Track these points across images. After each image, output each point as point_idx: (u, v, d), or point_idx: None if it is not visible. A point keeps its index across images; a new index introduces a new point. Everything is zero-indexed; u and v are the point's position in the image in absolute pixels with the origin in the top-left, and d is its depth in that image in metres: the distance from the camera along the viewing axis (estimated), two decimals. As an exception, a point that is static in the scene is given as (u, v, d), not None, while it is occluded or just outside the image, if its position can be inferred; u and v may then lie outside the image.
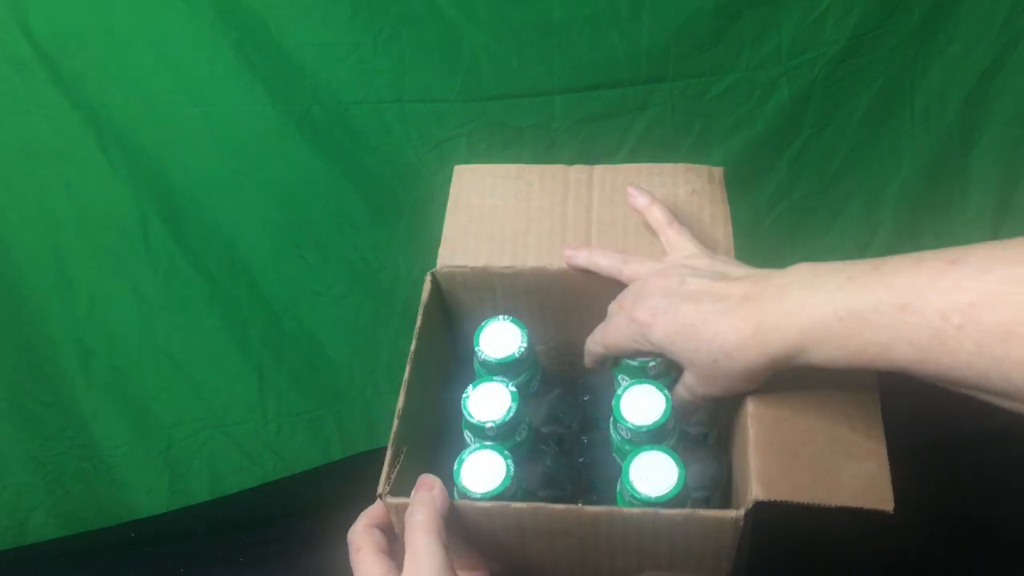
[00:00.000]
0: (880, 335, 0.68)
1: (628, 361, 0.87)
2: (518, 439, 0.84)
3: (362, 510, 0.81)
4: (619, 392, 0.84)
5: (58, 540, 1.50)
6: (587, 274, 0.94)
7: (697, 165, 1.01)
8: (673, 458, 0.78)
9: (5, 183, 1.31)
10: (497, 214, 0.98)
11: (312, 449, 1.54)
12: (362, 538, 0.78)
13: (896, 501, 0.76)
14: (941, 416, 1.40)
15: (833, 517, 0.75)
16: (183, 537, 1.51)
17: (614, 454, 0.86)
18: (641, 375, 0.86)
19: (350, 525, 0.81)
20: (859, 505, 0.76)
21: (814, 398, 0.83)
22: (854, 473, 0.77)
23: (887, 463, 0.78)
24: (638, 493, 0.76)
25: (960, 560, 1.35)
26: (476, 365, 0.90)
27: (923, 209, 1.46)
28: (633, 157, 1.39)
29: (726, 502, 0.93)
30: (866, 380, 0.84)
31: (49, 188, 1.32)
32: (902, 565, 1.31)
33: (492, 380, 0.85)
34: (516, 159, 1.02)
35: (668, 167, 1.01)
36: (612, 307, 0.88)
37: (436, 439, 0.92)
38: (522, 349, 0.88)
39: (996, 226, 1.47)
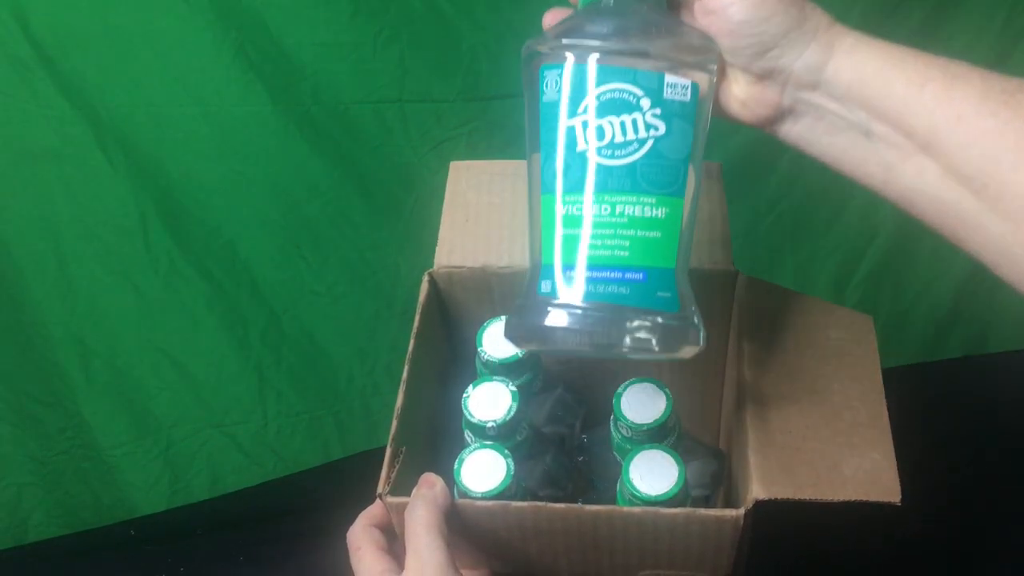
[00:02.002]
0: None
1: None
2: (519, 438, 0.84)
3: (362, 509, 0.81)
4: (620, 390, 0.85)
5: (58, 539, 1.51)
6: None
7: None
8: (673, 457, 0.78)
9: (5, 183, 1.31)
10: (494, 212, 0.98)
11: (312, 448, 1.54)
12: (361, 537, 0.78)
13: (904, 492, 0.75)
14: (943, 416, 1.42)
15: (837, 512, 0.75)
16: (183, 536, 1.51)
17: (614, 452, 0.86)
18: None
19: (350, 524, 0.81)
20: (864, 498, 0.75)
21: (815, 389, 0.83)
22: (858, 465, 0.77)
23: (892, 451, 0.78)
24: (638, 492, 0.76)
25: (963, 555, 1.36)
26: (478, 365, 0.90)
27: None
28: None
29: (727, 499, 0.93)
30: (870, 366, 0.84)
31: (49, 188, 1.32)
32: (906, 559, 1.31)
33: (492, 379, 0.85)
34: (516, 159, 1.02)
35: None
36: None
37: (435, 439, 0.92)
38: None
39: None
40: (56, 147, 1.30)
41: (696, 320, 0.73)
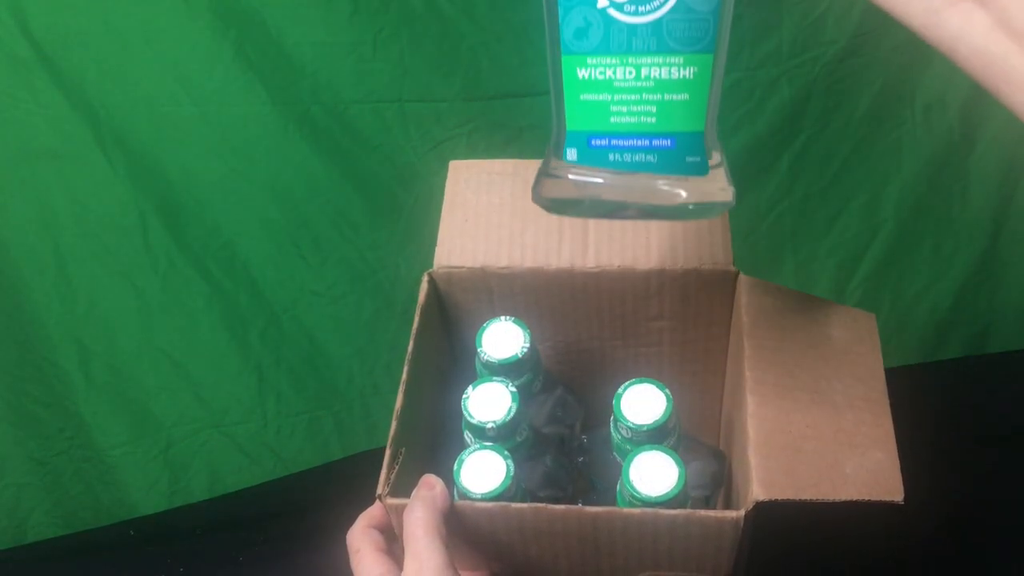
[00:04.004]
0: None
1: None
2: (518, 439, 0.84)
3: (361, 510, 0.81)
4: (620, 391, 0.84)
5: (57, 539, 1.50)
6: (585, 275, 0.94)
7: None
8: (673, 458, 0.78)
9: (5, 183, 1.31)
10: (494, 212, 0.98)
11: (312, 449, 1.54)
12: (361, 539, 0.78)
13: (906, 492, 0.75)
14: (943, 416, 1.41)
15: (839, 512, 0.75)
16: (183, 536, 1.51)
17: (614, 453, 0.86)
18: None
19: (350, 524, 0.81)
20: (866, 498, 0.75)
21: (817, 388, 0.83)
22: (860, 465, 0.77)
23: (895, 450, 0.78)
24: (638, 493, 0.76)
25: (964, 556, 1.35)
26: (478, 366, 0.90)
27: (924, 209, 1.46)
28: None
29: (727, 499, 0.93)
30: (872, 365, 0.84)
31: (49, 188, 1.32)
32: (908, 560, 1.31)
33: (492, 380, 0.85)
34: (516, 159, 1.02)
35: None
36: None
37: (435, 440, 0.92)
38: (524, 350, 0.88)
39: (997, 226, 1.47)
40: (56, 147, 1.30)
41: (726, 180, 0.72)
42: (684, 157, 0.70)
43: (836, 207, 1.48)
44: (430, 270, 0.96)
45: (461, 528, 0.77)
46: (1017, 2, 0.57)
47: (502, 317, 0.91)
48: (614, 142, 0.70)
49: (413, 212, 1.40)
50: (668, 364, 1.03)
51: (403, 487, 0.77)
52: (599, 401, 0.95)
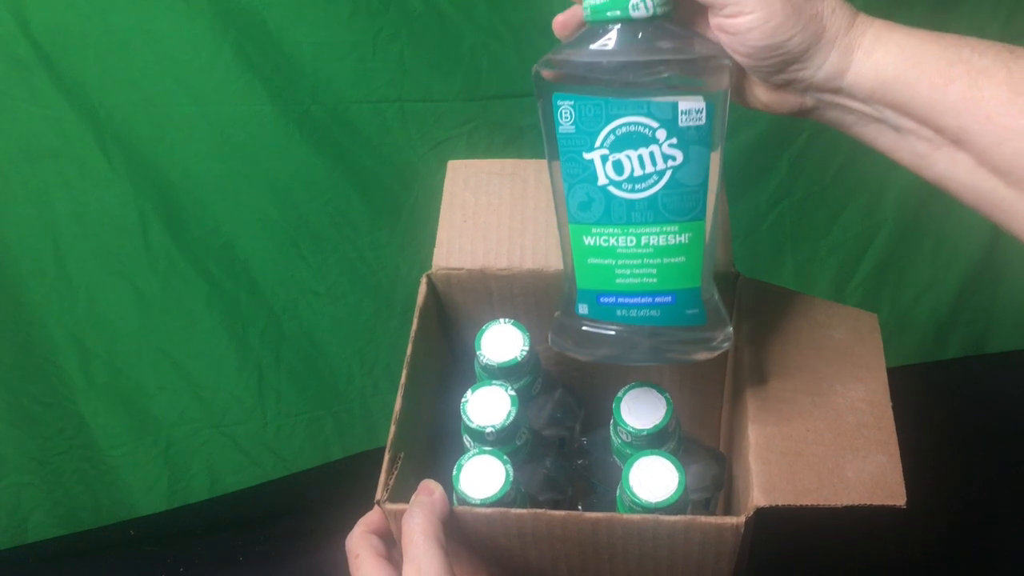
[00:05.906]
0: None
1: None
2: (518, 443, 0.84)
3: (361, 510, 0.81)
4: (620, 394, 0.84)
5: (57, 539, 1.50)
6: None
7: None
8: (673, 463, 0.78)
9: (5, 183, 1.31)
10: (492, 213, 0.98)
11: (311, 449, 1.53)
12: (360, 544, 0.78)
13: (907, 495, 0.75)
14: (943, 417, 1.41)
15: (841, 516, 0.75)
16: (183, 536, 1.51)
17: (614, 456, 0.86)
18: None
19: (349, 525, 0.81)
20: (867, 503, 0.75)
21: (818, 391, 0.82)
22: (861, 468, 0.77)
23: (897, 453, 0.78)
24: (638, 499, 0.76)
25: (964, 558, 1.35)
26: (477, 368, 0.90)
27: (924, 209, 1.46)
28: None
29: (728, 503, 0.92)
30: (874, 366, 0.84)
31: (49, 188, 1.32)
32: (910, 562, 1.31)
33: (491, 384, 0.85)
34: (516, 159, 1.02)
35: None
36: None
37: (434, 444, 0.92)
38: (524, 353, 0.88)
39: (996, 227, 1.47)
40: (56, 147, 1.30)
41: (723, 324, 0.79)
42: (684, 310, 0.78)
43: (836, 207, 1.48)
44: (428, 272, 0.95)
45: (460, 533, 0.77)
46: (993, 144, 0.63)
47: (501, 320, 0.90)
48: (620, 300, 0.78)
49: (413, 212, 1.40)
50: (668, 365, 1.03)
51: (402, 492, 0.77)
52: (599, 401, 0.95)
